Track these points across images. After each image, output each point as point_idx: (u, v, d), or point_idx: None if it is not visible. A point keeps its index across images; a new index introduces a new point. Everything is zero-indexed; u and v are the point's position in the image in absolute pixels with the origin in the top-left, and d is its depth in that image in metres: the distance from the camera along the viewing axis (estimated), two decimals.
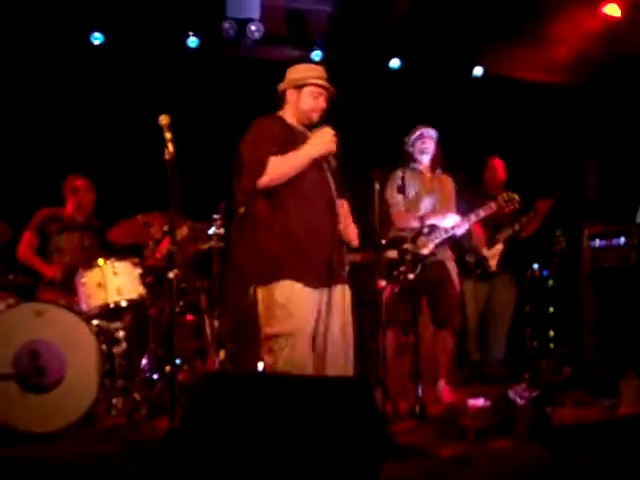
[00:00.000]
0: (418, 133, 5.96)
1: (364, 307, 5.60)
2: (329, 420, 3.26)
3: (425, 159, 6.01)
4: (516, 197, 5.94)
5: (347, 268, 4.38)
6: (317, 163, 4.29)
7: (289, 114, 4.42)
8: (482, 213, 5.89)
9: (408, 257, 5.34)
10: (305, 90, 4.36)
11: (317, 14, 7.48)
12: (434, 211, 5.95)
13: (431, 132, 6.00)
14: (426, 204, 5.97)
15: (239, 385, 3.46)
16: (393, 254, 5.40)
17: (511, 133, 8.14)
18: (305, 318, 4.17)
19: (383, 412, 4.55)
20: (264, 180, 4.15)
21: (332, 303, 4.27)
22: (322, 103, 4.35)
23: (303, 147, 4.23)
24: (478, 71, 8.04)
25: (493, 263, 6.57)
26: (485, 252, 6.60)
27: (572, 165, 8.22)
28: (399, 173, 5.64)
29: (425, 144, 5.96)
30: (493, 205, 5.91)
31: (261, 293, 4.28)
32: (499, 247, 6.61)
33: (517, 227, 6.57)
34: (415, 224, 5.73)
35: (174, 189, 4.25)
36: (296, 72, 4.43)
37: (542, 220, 6.69)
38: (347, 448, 3.21)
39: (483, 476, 3.92)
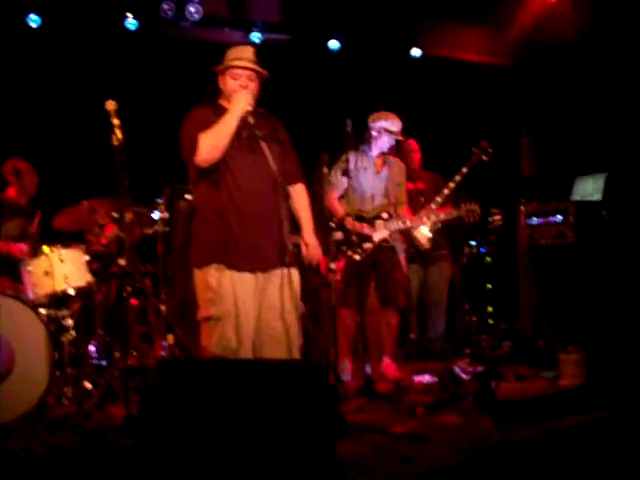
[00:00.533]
0: (390, 127, 5.96)
1: (317, 287, 5.67)
2: (284, 402, 3.31)
3: (381, 150, 6.05)
4: (477, 210, 6.11)
5: (289, 250, 4.34)
6: (250, 146, 4.30)
7: (223, 99, 4.45)
8: (442, 217, 6.07)
9: (353, 238, 5.41)
10: (227, 73, 4.39)
11: None
12: (383, 195, 6.03)
13: (397, 126, 6.01)
14: (374, 188, 6.01)
15: (196, 370, 3.50)
16: (339, 235, 5.44)
17: (445, 113, 8.26)
18: (233, 302, 4.20)
19: (336, 391, 4.61)
20: (199, 156, 4.20)
21: (268, 287, 4.30)
22: (245, 83, 4.34)
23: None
24: (416, 52, 8.10)
25: (424, 242, 6.64)
26: (415, 233, 6.66)
27: (507, 144, 8.36)
28: (347, 156, 5.67)
29: (393, 140, 6.01)
30: (454, 212, 6.10)
31: (196, 276, 4.34)
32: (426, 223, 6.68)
33: (456, 214, 6.59)
34: (340, 211, 5.81)
35: (122, 175, 4.22)
36: (225, 57, 4.46)
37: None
38: (303, 429, 3.27)
39: (436, 451, 4.01)
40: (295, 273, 4.40)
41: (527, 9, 7.79)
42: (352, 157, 5.67)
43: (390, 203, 6.05)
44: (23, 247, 5.64)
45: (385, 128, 5.94)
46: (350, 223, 5.57)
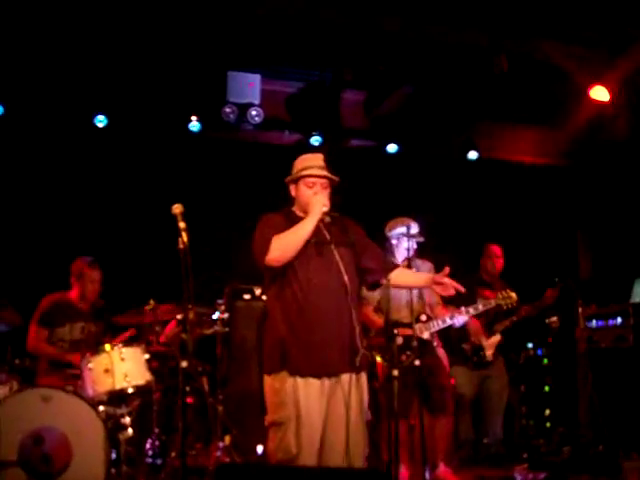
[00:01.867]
0: (408, 231, 5.80)
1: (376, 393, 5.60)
2: None
3: (404, 255, 5.92)
4: (514, 296, 6.05)
5: (361, 354, 4.29)
6: (318, 250, 4.34)
7: (297, 207, 4.54)
8: (481, 307, 6.00)
9: (414, 343, 5.35)
10: (301, 182, 4.47)
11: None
12: (418, 298, 5.89)
13: (416, 227, 5.89)
14: (407, 294, 5.75)
15: (253, 476, 3.48)
16: (400, 341, 5.40)
17: (503, 216, 8.30)
18: (295, 407, 4.18)
19: None
20: (270, 256, 4.25)
21: (336, 392, 4.27)
22: (319, 191, 4.42)
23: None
24: (473, 155, 8.19)
25: (490, 353, 6.61)
26: (484, 342, 6.64)
27: (565, 247, 8.36)
28: None
29: (414, 244, 5.83)
30: (493, 302, 6.03)
31: (265, 381, 4.35)
32: (497, 337, 6.68)
33: (515, 319, 6.63)
34: (377, 322, 5.79)
35: (188, 279, 4.28)
36: (294, 167, 4.55)
37: (542, 309, 6.78)
38: None
39: None
40: (364, 378, 4.38)
41: (582, 110, 7.85)
42: None
43: (425, 304, 5.99)
44: (77, 357, 5.67)
45: (403, 233, 5.86)
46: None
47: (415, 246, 5.88)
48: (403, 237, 5.89)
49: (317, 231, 4.32)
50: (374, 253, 4.60)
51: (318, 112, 7.56)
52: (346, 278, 4.26)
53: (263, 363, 4.39)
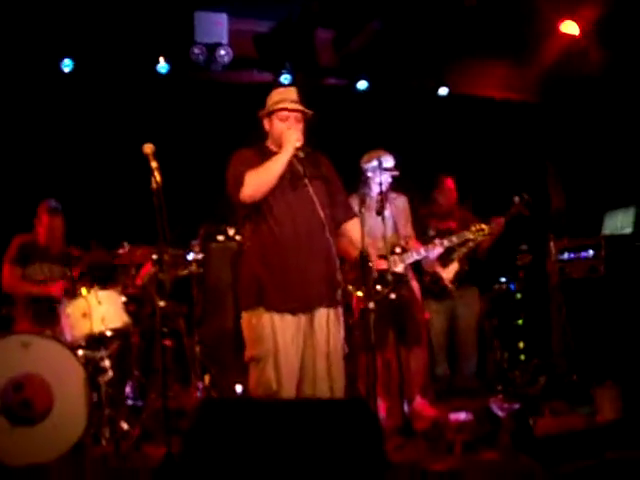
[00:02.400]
0: (384, 164, 5.86)
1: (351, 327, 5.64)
2: (330, 440, 3.31)
3: (380, 187, 5.83)
4: (487, 229, 6.10)
5: (339, 288, 4.37)
6: (293, 185, 4.34)
7: (270, 142, 4.50)
8: (455, 240, 6.05)
9: (389, 276, 5.39)
10: (274, 116, 4.44)
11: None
12: (392, 231, 5.94)
13: (390, 161, 5.94)
14: (382, 227, 5.70)
15: (240, 410, 3.50)
16: (375, 274, 5.42)
17: (471, 150, 8.31)
18: (273, 342, 4.22)
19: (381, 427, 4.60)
20: (243, 192, 4.25)
21: (312, 326, 4.30)
22: (292, 124, 4.40)
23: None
24: (443, 91, 8.19)
25: (449, 281, 6.64)
26: (440, 271, 6.66)
27: (535, 180, 8.40)
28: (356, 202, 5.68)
29: (389, 177, 5.92)
30: (467, 234, 6.08)
31: (243, 318, 4.38)
32: (454, 266, 6.68)
33: (471, 244, 6.61)
34: (352, 253, 5.80)
35: (162, 219, 4.27)
36: (267, 101, 4.51)
37: (496, 237, 6.77)
38: (348, 466, 3.26)
39: None
40: (340, 311, 4.42)
41: (551, 45, 7.83)
42: (355, 202, 5.69)
43: (400, 237, 6.00)
44: (60, 286, 5.69)
45: (378, 166, 5.85)
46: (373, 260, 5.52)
47: (390, 180, 5.93)
48: (377, 170, 5.85)
49: (291, 166, 4.31)
50: (338, 198, 4.58)
51: (288, 50, 7.48)
52: (321, 212, 4.27)
53: (240, 300, 4.43)
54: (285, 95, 4.47)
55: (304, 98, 4.53)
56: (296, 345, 4.26)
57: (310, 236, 4.31)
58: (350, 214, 4.63)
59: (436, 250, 6.00)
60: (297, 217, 4.31)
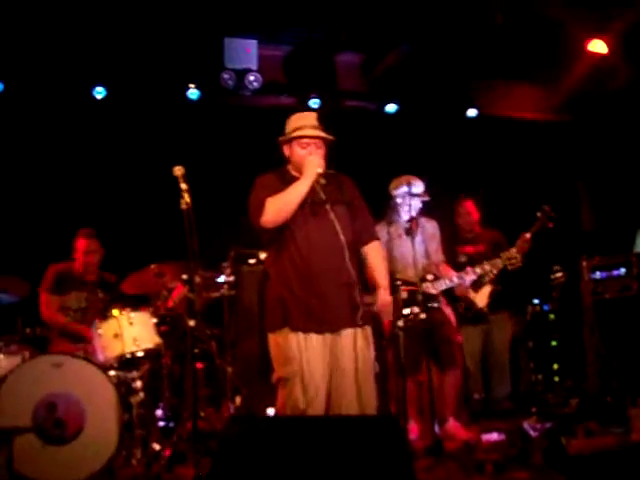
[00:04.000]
0: (413, 190, 5.82)
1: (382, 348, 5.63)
2: (358, 457, 3.30)
3: (410, 214, 5.81)
4: (518, 256, 6.08)
5: (362, 309, 4.33)
6: (313, 210, 4.34)
7: (292, 167, 4.49)
8: (487, 267, 6.07)
9: (419, 297, 5.36)
10: (294, 143, 4.42)
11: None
12: (424, 258, 5.93)
13: (420, 186, 5.90)
14: (413, 253, 5.62)
15: (268, 427, 3.51)
16: (403, 294, 5.41)
17: (502, 171, 8.31)
18: (300, 363, 4.21)
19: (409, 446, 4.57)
20: (264, 218, 4.26)
21: (338, 348, 4.29)
22: (313, 151, 4.37)
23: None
24: (472, 112, 8.20)
25: (482, 305, 6.60)
26: (472, 296, 6.62)
27: (567, 200, 8.36)
28: (384, 229, 5.69)
29: (419, 202, 5.89)
30: (498, 262, 6.08)
31: (270, 340, 4.40)
32: (487, 288, 6.64)
33: (500, 265, 6.56)
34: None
35: (192, 238, 4.32)
36: (287, 126, 4.49)
37: (524, 253, 6.72)
38: None
39: None
40: (369, 331, 4.39)
41: (579, 64, 7.83)
42: (384, 229, 5.70)
43: (432, 264, 5.99)
44: (85, 330, 5.71)
45: (408, 192, 5.83)
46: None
47: (420, 205, 5.92)
48: (407, 196, 5.83)
49: (312, 192, 4.29)
50: (360, 221, 4.52)
51: (314, 73, 7.55)
52: (342, 237, 4.26)
53: (265, 322, 4.44)
54: (305, 121, 4.44)
55: (331, 122, 4.52)
56: (323, 364, 4.25)
57: (330, 262, 4.29)
58: (370, 237, 4.57)
59: (469, 278, 6.02)
60: (318, 243, 4.30)
